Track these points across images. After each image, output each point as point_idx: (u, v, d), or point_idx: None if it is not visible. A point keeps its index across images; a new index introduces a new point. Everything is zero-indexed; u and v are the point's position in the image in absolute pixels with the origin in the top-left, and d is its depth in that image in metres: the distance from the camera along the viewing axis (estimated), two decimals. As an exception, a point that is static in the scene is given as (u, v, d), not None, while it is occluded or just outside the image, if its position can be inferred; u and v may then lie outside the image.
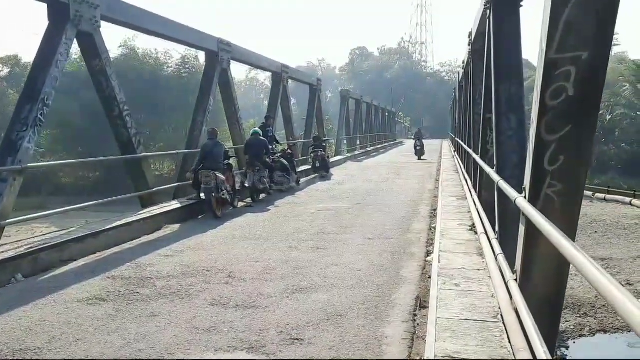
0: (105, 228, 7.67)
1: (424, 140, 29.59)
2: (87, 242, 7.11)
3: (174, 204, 9.97)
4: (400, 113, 76.16)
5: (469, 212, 9.09)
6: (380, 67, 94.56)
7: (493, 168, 6.16)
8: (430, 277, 5.89)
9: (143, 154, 9.75)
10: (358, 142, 34.18)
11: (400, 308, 4.98)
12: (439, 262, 5.83)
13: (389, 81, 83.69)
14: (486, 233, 6.46)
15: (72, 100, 31.37)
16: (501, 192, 5.02)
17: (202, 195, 10.00)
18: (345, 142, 30.55)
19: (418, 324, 4.58)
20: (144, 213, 8.97)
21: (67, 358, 3.87)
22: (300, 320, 4.66)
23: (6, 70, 43.24)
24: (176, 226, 9.10)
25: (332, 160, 23.95)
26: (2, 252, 6.02)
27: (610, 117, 44.01)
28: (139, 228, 8.36)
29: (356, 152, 30.88)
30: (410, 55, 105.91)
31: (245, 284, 5.76)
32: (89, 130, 32.27)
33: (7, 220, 6.57)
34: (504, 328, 3.80)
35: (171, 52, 39.79)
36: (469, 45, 12.40)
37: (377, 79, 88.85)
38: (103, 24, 8.65)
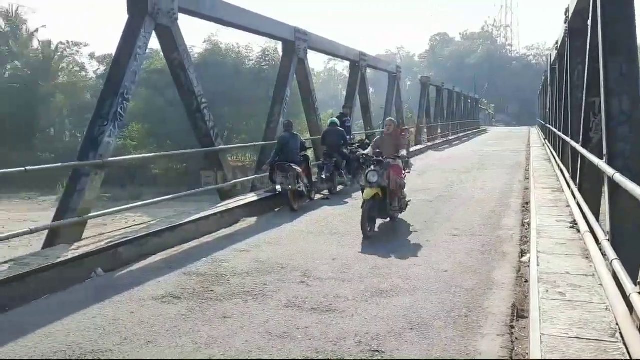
0: (183, 222, 7.62)
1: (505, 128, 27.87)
2: (165, 236, 7.07)
3: (251, 197, 9.86)
4: (484, 100, 73.19)
5: (568, 206, 8.25)
6: (462, 52, 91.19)
7: (602, 158, 5.41)
8: (527, 282, 5.30)
9: (221, 147, 9.69)
10: (439, 131, 33.02)
11: (494, 318, 4.45)
12: (538, 264, 5.19)
13: (472, 67, 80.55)
14: (592, 232, 5.74)
15: (159, 95, 32.67)
16: (615, 187, 4.34)
17: (279, 187, 9.80)
18: (425, 130, 29.56)
19: (516, 338, 4.04)
20: (221, 206, 8.90)
21: (136, 363, 3.71)
22: (381, 328, 4.26)
23: (102, 69, 45.74)
24: (253, 219, 8.95)
25: (412, 149, 23.21)
26: (84, 246, 6.06)
27: None
28: (216, 221, 8.28)
29: (437, 141, 29.81)
30: (494, 40, 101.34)
31: (321, 284, 5.43)
32: (177, 123, 33.51)
33: (89, 215, 6.63)
34: (625, 350, 3.20)
35: (252, 46, 40.49)
36: (565, 23, 11.34)
37: (458, 65, 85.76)
38: (181, 16, 8.63)
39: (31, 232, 5.67)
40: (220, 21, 10.05)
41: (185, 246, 7.07)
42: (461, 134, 38.28)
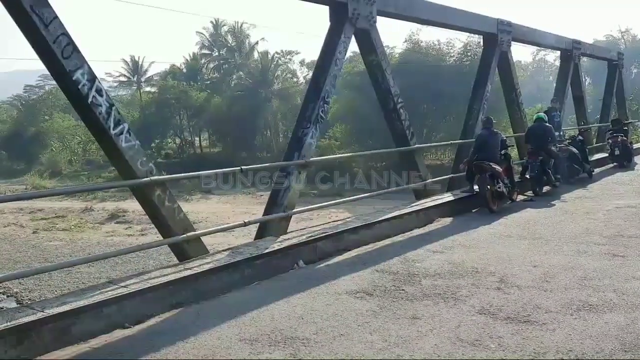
0: (378, 220, 7.82)
1: None
2: (361, 233, 7.33)
3: (447, 197, 9.66)
4: None
5: None
6: None
7: None
8: None
9: (416, 146, 9.68)
10: (674, 125, 28.32)
11: None
12: None
13: None
14: None
15: (361, 96, 34.03)
16: None
17: (476, 187, 9.44)
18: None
19: None
20: (415, 205, 8.90)
21: (329, 354, 3.92)
22: (587, 346, 3.84)
23: (310, 74, 49.33)
24: (448, 220, 8.77)
25: (637, 146, 20.34)
26: (288, 239, 6.61)
27: None
28: (410, 221, 8.30)
29: (671, 136, 25.66)
30: None
31: (519, 292, 5.10)
32: (378, 123, 34.54)
33: (293, 210, 7.21)
34: None
35: (453, 42, 39.71)
36: None
37: (703, 45, 72.45)
38: (379, 19, 8.85)
39: (245, 224, 6.39)
40: (418, 20, 10.05)
41: (379, 244, 7.24)
42: None
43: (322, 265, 6.31)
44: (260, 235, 7.00)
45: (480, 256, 6.45)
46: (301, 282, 5.61)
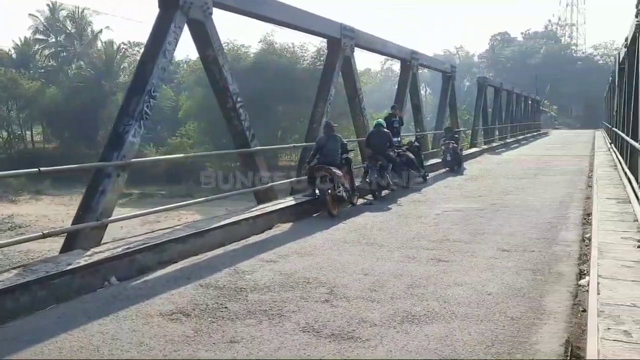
0: (211, 227, 7.24)
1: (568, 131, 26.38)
2: (190, 242, 6.69)
3: (288, 201, 9.39)
4: (546, 101, 70.08)
5: (636, 220, 7.33)
6: (523, 52, 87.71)
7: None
8: (584, 311, 4.55)
9: (257, 147, 9.26)
10: (496, 133, 31.59)
11: (542, 356, 3.77)
12: (598, 292, 4.45)
13: (534, 67, 77.22)
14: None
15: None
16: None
17: (317, 191, 9.30)
18: (482, 133, 28.29)
19: (569, 390, 3.35)
20: (254, 210, 8.47)
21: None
22: (406, 365, 3.66)
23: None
24: (287, 225, 8.48)
25: (466, 152, 22.18)
26: (99, 252, 5.75)
27: None
28: (247, 227, 7.85)
29: (494, 144, 28.49)
30: (558, 39, 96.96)
31: (347, 304, 4.88)
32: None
33: (108, 219, 6.33)
34: None
35: (307, 46, 40.30)
36: (636, 17, 10.26)
37: (520, 65, 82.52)
38: (220, 12, 8.30)
39: (44, 236, 5.40)
40: (260, 16, 9.62)
41: (210, 254, 6.67)
42: (520, 137, 36.58)
43: (138, 281, 5.57)
44: (68, 247, 6.02)
45: (313, 264, 6.20)
46: (108, 304, 4.84)
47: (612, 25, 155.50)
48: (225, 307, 4.79)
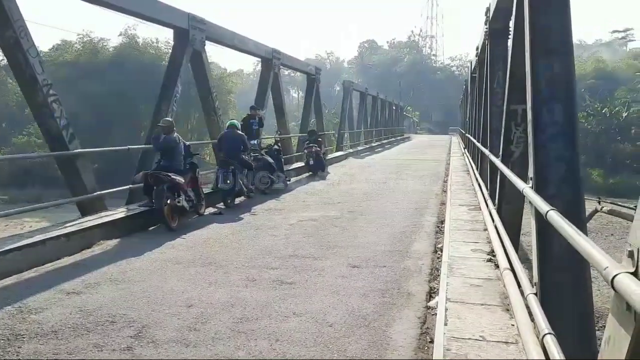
0: (4, 249, 5.77)
1: (428, 136, 27.62)
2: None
3: (118, 213, 8.04)
4: (409, 107, 73.88)
5: (485, 229, 7.13)
6: (389, 60, 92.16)
7: (527, 182, 4.17)
8: (432, 342, 3.97)
9: (78, 150, 7.81)
10: (362, 137, 32.15)
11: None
12: (445, 323, 3.88)
13: (398, 75, 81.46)
14: (512, 270, 4.56)
15: (71, 91, 29.87)
16: (547, 227, 3.06)
17: (153, 202, 8.09)
18: (347, 136, 28.49)
19: None
20: (71, 226, 7.05)
21: None
22: None
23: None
24: (113, 242, 7.18)
25: (331, 156, 22.04)
26: None
27: (626, 114, 41.66)
28: (58, 246, 6.45)
29: (359, 148, 28.87)
30: (420, 49, 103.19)
31: (154, 352, 3.84)
32: (92, 122, 31.12)
33: None
34: None
35: (172, 42, 38.08)
36: (485, 24, 10.38)
37: (386, 72, 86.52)
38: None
39: None
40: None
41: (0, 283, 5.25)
42: (384, 141, 37.74)
43: None
44: None
45: (127, 295, 5.06)
46: None
47: (468, 40, 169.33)
48: (-22, 370, 3.53)
